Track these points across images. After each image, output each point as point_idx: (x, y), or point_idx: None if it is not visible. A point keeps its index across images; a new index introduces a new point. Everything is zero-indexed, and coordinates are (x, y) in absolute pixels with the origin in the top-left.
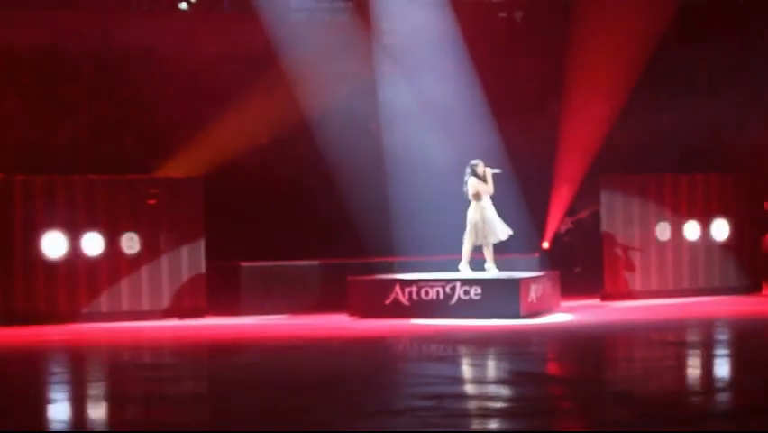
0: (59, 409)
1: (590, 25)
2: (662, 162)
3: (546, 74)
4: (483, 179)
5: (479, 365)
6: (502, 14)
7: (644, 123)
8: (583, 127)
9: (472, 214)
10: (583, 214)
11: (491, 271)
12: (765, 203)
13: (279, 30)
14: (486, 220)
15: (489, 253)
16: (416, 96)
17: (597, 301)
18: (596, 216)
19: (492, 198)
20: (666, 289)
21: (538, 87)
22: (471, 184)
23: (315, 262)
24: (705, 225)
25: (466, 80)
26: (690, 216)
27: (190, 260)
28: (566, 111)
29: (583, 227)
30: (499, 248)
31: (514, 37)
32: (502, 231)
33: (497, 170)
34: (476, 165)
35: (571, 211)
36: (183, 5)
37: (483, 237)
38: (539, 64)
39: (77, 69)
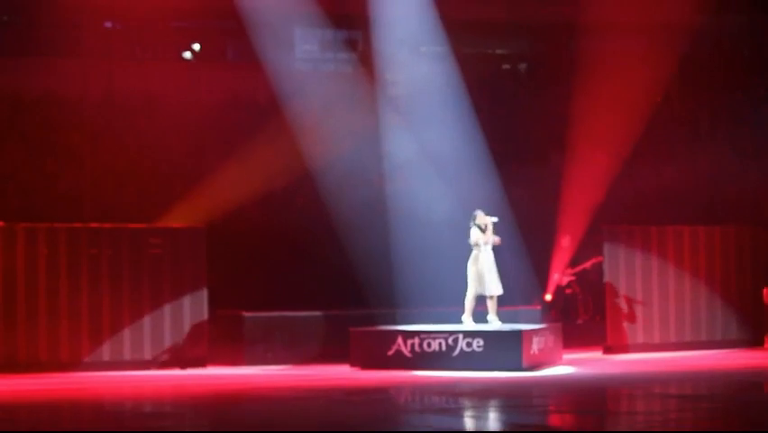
0: None
1: (594, 77)
2: (665, 214)
3: (549, 125)
4: (483, 229)
5: (480, 418)
6: (506, 66)
7: (646, 174)
8: (586, 178)
9: (471, 264)
10: (586, 265)
11: (493, 323)
12: None
13: (283, 80)
14: (483, 271)
15: (491, 305)
16: (419, 146)
17: (599, 354)
18: (598, 268)
19: (495, 248)
20: (668, 342)
21: (541, 138)
22: (472, 234)
23: (318, 313)
24: (707, 278)
25: (469, 131)
26: (692, 268)
27: (192, 309)
28: (569, 162)
29: (586, 279)
30: (502, 300)
31: (517, 88)
32: (495, 287)
33: (494, 219)
34: (476, 216)
35: (572, 262)
36: (187, 54)
37: (482, 288)
38: (542, 115)
39: (81, 117)
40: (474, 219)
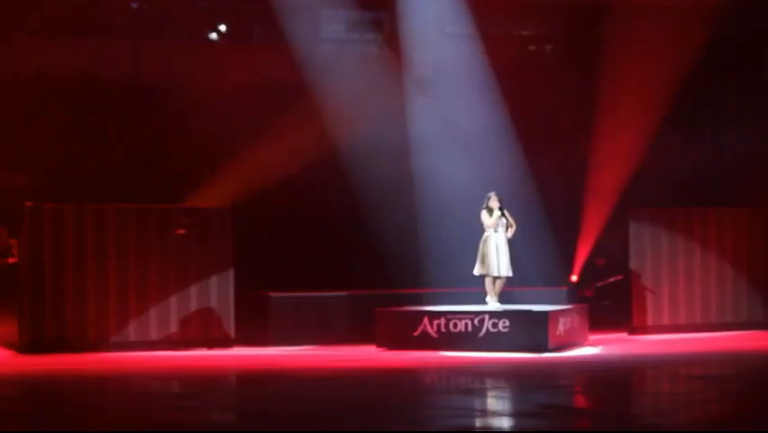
0: None
1: (620, 58)
2: (691, 196)
3: (576, 107)
4: (492, 211)
5: (506, 398)
6: (532, 47)
7: (672, 156)
8: (612, 160)
9: (481, 245)
10: (606, 282)
11: (490, 304)
12: None
13: (309, 60)
14: (487, 252)
15: (498, 286)
16: (445, 127)
17: (624, 335)
18: (617, 283)
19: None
20: (694, 323)
21: (568, 119)
22: (482, 216)
23: (344, 293)
24: (733, 259)
25: (495, 113)
26: (718, 249)
27: (219, 290)
28: (595, 144)
29: (614, 259)
30: (528, 281)
31: (543, 70)
32: (497, 268)
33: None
34: (489, 198)
35: (598, 276)
36: (213, 35)
37: (485, 268)
38: (568, 97)
39: (108, 98)
40: (487, 201)
